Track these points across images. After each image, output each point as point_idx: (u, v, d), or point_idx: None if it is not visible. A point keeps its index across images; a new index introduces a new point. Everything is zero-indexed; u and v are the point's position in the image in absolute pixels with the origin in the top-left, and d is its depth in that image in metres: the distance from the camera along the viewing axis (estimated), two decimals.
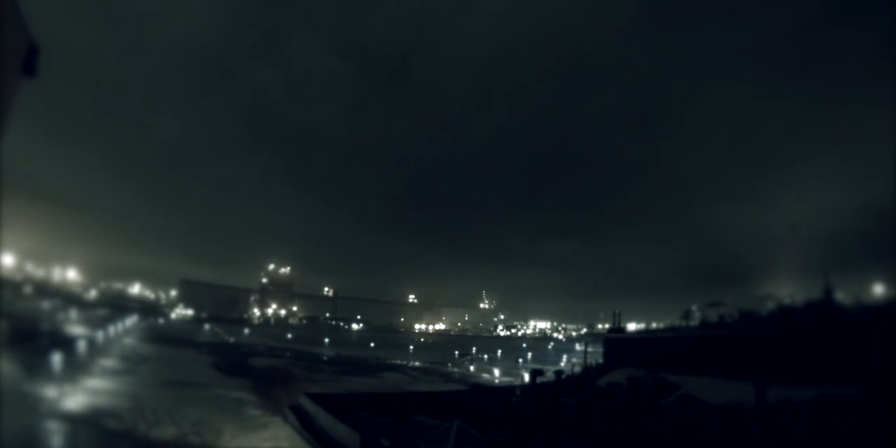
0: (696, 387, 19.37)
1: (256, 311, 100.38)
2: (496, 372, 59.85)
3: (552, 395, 22.43)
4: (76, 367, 31.31)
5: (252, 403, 31.66)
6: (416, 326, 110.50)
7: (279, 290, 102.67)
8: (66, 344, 35.27)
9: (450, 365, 65.43)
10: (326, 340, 73.75)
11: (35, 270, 56.97)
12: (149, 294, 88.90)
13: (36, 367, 26.59)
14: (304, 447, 18.37)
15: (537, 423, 19.15)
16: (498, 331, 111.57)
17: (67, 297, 56.53)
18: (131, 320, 61.93)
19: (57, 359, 30.24)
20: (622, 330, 33.58)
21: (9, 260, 44.55)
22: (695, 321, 25.95)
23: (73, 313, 50.07)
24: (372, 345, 76.46)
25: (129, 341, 49.68)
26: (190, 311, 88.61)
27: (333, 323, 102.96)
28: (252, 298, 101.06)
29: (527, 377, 29.31)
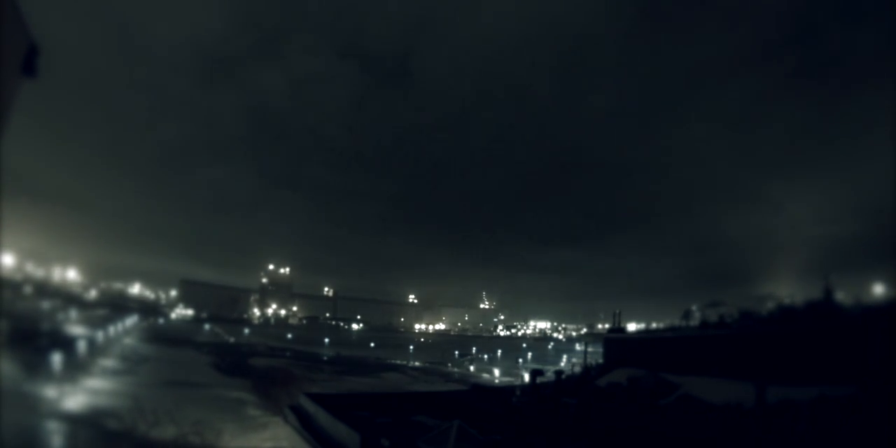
0: (696, 387, 19.37)
1: (256, 311, 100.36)
2: (496, 372, 59.85)
3: (552, 395, 22.44)
4: (76, 367, 31.31)
5: (252, 403, 31.66)
6: (416, 326, 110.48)
7: (279, 290, 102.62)
8: (66, 344, 35.27)
9: (450, 365, 65.42)
10: (326, 340, 73.74)
11: (35, 270, 56.95)
12: (149, 294, 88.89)
13: (36, 367, 26.59)
14: (304, 447, 18.38)
15: (537, 423, 19.15)
16: (498, 331, 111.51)
17: (67, 297, 56.52)
18: (131, 320, 61.92)
19: (57, 359, 30.25)
20: (622, 330, 33.59)
21: (9, 260, 44.51)
22: (695, 321, 25.96)
23: (73, 313, 50.07)
24: (372, 345, 76.46)
25: (129, 341, 49.66)
26: (190, 311, 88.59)
27: (333, 323, 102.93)
28: (252, 298, 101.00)
29: (527, 377, 29.33)
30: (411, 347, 73.03)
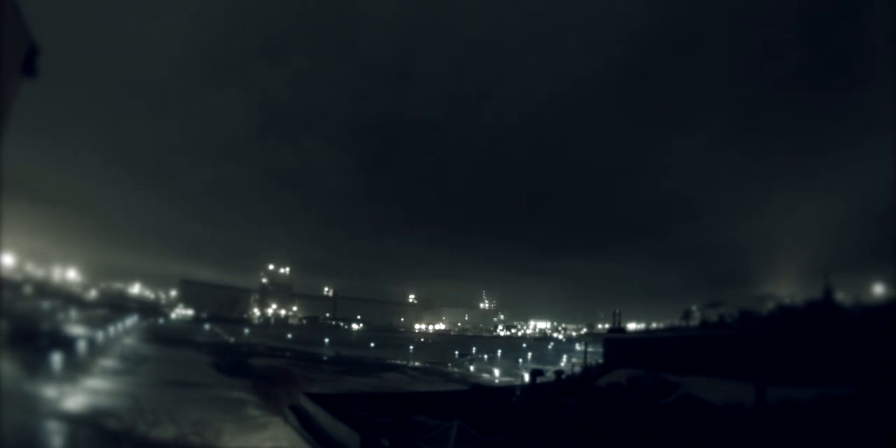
0: (696, 387, 19.37)
1: (256, 311, 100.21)
2: (496, 372, 59.82)
3: (552, 395, 22.43)
4: (76, 367, 31.30)
5: (252, 403, 31.65)
6: (416, 326, 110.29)
7: (279, 290, 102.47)
8: (66, 344, 35.26)
9: (450, 365, 65.39)
10: (326, 340, 73.71)
11: (35, 270, 56.89)
12: (149, 294, 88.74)
13: (36, 367, 26.58)
14: (304, 447, 18.38)
15: (537, 423, 19.14)
16: (498, 331, 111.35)
17: (67, 297, 56.47)
18: (131, 320, 61.90)
19: (57, 359, 30.24)
20: (622, 330, 33.61)
21: (9, 260, 44.47)
22: (695, 321, 25.97)
23: (73, 313, 50.06)
24: (372, 345, 76.42)
25: (129, 341, 49.64)
26: (190, 311, 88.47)
27: (333, 323, 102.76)
28: (252, 298, 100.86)
29: (527, 377, 29.33)
30: (411, 347, 73.00)
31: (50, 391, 24.62)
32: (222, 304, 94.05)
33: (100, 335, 43.22)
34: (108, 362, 37.09)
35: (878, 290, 20.91)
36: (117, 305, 66.43)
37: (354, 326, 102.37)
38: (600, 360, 30.35)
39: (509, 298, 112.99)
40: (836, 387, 14.37)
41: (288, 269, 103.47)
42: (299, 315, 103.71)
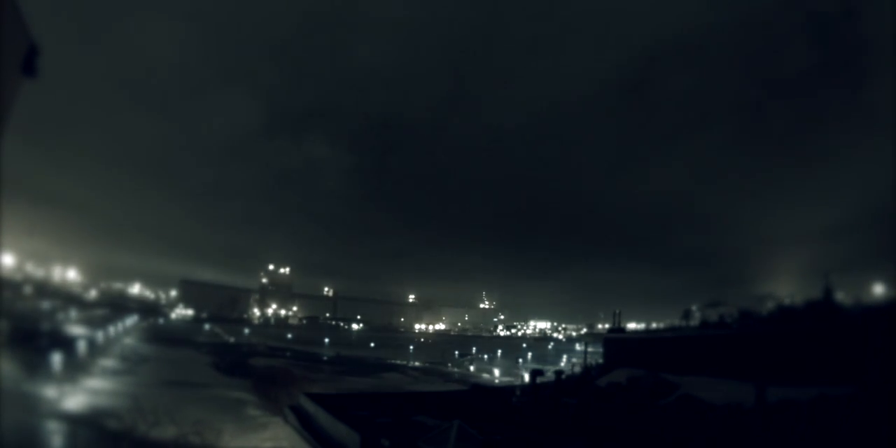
0: (696, 387, 19.37)
1: (256, 311, 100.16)
2: (496, 372, 59.81)
3: (552, 395, 22.44)
4: (76, 367, 31.28)
5: (252, 403, 31.64)
6: (416, 326, 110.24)
7: (279, 290, 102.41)
8: (66, 344, 35.21)
9: (450, 365, 65.37)
10: (326, 340, 73.66)
11: (35, 270, 56.85)
12: (149, 294, 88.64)
13: (36, 367, 26.56)
14: (304, 447, 18.38)
15: (537, 423, 19.14)
16: (498, 331, 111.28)
17: (67, 297, 56.43)
18: (131, 320, 61.87)
19: (57, 359, 30.21)
20: (622, 330, 33.64)
21: (9, 260, 44.46)
22: (695, 321, 26.00)
23: (73, 313, 50.04)
24: (372, 345, 76.38)
25: (129, 341, 49.61)
26: (190, 311, 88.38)
27: (333, 323, 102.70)
28: (252, 298, 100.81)
29: (527, 377, 29.34)
30: (411, 347, 72.95)
31: (50, 391, 24.61)
32: (222, 304, 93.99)
33: (100, 335, 43.19)
34: (107, 362, 37.07)
35: (878, 290, 20.93)
36: (117, 305, 66.39)
37: (354, 326, 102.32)
38: (600, 360, 30.36)
39: (509, 298, 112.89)
40: (836, 387, 14.38)
41: (288, 269, 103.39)
42: (299, 315, 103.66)
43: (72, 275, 63.73)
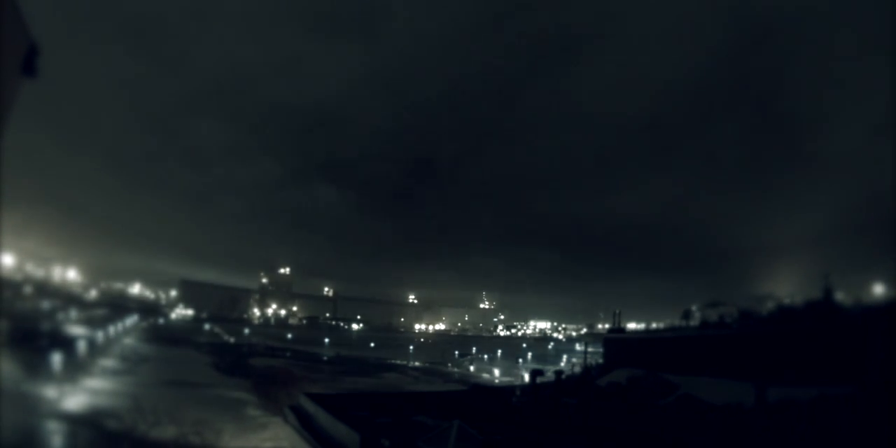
0: (696, 387, 19.38)
1: (256, 311, 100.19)
2: (496, 372, 59.83)
3: (552, 395, 22.45)
4: (76, 367, 31.27)
5: (252, 403, 31.66)
6: (416, 326, 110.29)
7: (279, 290, 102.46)
8: (66, 344, 35.19)
9: (450, 365, 65.40)
10: (326, 340, 73.65)
11: (35, 270, 56.84)
12: (149, 294, 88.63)
13: (36, 367, 26.55)
14: (304, 447, 18.38)
15: (537, 423, 19.15)
16: (498, 331, 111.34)
17: (67, 297, 56.42)
18: (131, 320, 61.85)
19: (57, 359, 30.19)
20: (622, 330, 33.64)
21: (9, 260, 44.45)
22: (695, 321, 25.99)
23: (73, 313, 50.01)
24: (372, 345, 76.38)
25: (129, 341, 49.62)
26: (190, 311, 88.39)
27: (333, 323, 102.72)
28: (252, 298, 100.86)
29: (527, 377, 29.36)
30: (411, 347, 72.95)
31: (50, 391, 24.59)
32: (222, 304, 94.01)
33: (100, 335, 43.17)
34: (108, 362, 37.09)
35: (878, 290, 20.91)
36: (117, 305, 66.37)
37: (354, 326, 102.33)
38: (600, 360, 30.37)
39: (508, 297, 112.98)
40: (836, 387, 14.38)
41: (288, 269, 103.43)
42: (299, 315, 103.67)
43: (72, 275, 63.73)
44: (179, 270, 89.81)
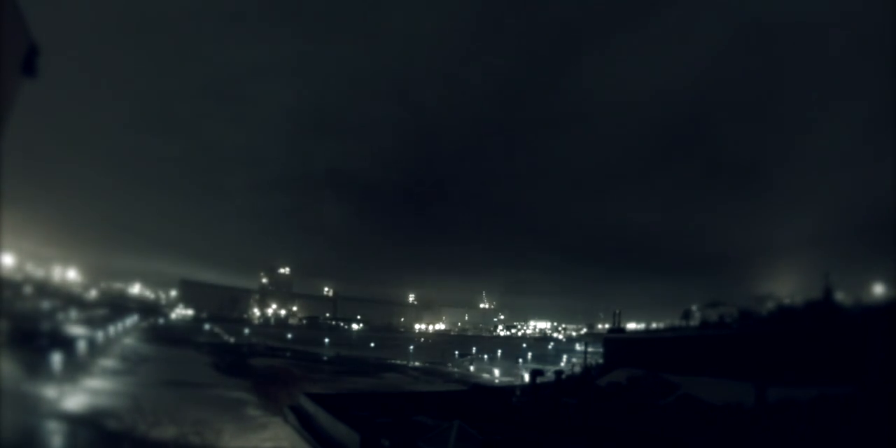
0: (696, 387, 19.38)
1: (256, 311, 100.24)
2: (496, 372, 59.85)
3: (552, 395, 22.44)
4: (76, 367, 31.27)
5: (252, 403, 31.67)
6: (416, 326, 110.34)
7: (279, 290, 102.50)
8: (66, 344, 35.21)
9: (450, 365, 65.42)
10: (326, 340, 73.68)
11: (35, 270, 56.85)
12: (149, 294, 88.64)
13: (36, 367, 26.55)
14: (304, 447, 18.38)
15: (537, 423, 19.14)
16: (498, 331, 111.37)
17: (67, 297, 56.42)
18: (131, 320, 61.87)
19: (57, 359, 30.20)
20: (622, 330, 33.66)
21: (9, 260, 44.45)
22: (695, 321, 26.00)
23: (73, 313, 50.02)
24: (372, 345, 76.41)
25: (129, 341, 49.65)
26: (190, 311, 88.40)
27: (333, 323, 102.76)
28: (252, 298, 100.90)
29: (527, 377, 29.35)
30: (411, 347, 72.98)
31: (50, 391, 24.60)
32: (222, 304, 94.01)
33: (100, 335, 43.18)
34: (108, 362, 37.09)
35: (878, 290, 20.91)
36: (117, 305, 66.36)
37: (354, 326, 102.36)
38: (600, 360, 30.37)
39: (508, 297, 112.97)
40: (836, 387, 14.39)
41: (288, 269, 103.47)
42: (299, 315, 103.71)
43: (72, 275, 63.74)
44: (179, 270, 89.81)
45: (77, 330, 42.22)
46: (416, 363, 64.73)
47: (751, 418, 15.19)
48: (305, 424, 19.37)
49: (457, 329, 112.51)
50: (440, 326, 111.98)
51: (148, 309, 79.04)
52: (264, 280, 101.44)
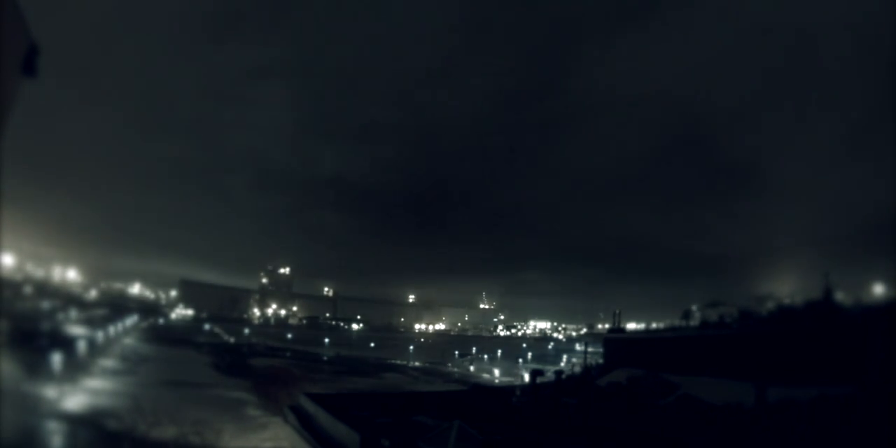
0: (696, 387, 19.39)
1: (256, 311, 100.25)
2: (496, 372, 59.86)
3: (552, 395, 22.45)
4: (76, 367, 31.27)
5: (252, 403, 31.67)
6: (416, 326, 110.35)
7: (279, 290, 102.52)
8: (66, 344, 35.19)
9: (450, 365, 65.44)
10: (326, 340, 73.68)
11: (35, 270, 56.85)
12: (149, 294, 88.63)
13: (36, 367, 26.55)
14: (304, 447, 18.39)
15: (537, 423, 19.14)
16: (498, 331, 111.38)
17: (67, 297, 56.42)
18: (131, 320, 61.86)
19: (57, 359, 30.19)
20: (622, 330, 33.68)
21: (9, 260, 44.45)
22: (695, 321, 26.01)
23: (73, 313, 50.03)
24: (372, 345, 76.43)
25: (129, 341, 49.66)
26: (190, 311, 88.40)
27: (333, 323, 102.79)
28: (252, 298, 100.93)
29: (527, 377, 29.36)
30: (411, 347, 72.99)
31: (50, 391, 24.59)
32: (222, 304, 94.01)
33: (100, 335, 43.17)
34: (108, 362, 37.09)
35: (878, 290, 20.91)
36: (117, 305, 66.35)
37: (354, 326, 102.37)
38: (600, 360, 30.38)
39: (508, 297, 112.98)
40: (836, 387, 14.39)
41: (288, 269, 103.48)
42: (299, 315, 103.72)
43: (72, 275, 63.71)
44: (179, 270, 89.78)
45: (77, 330, 42.21)
46: (416, 363, 64.74)
47: (751, 418, 15.20)
48: (305, 424, 19.38)
49: (457, 329, 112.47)
50: (440, 326, 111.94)
51: (148, 309, 79.00)
52: (264, 280, 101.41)
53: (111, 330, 48.23)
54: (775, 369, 17.09)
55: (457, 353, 72.36)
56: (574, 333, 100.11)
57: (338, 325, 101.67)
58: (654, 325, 36.90)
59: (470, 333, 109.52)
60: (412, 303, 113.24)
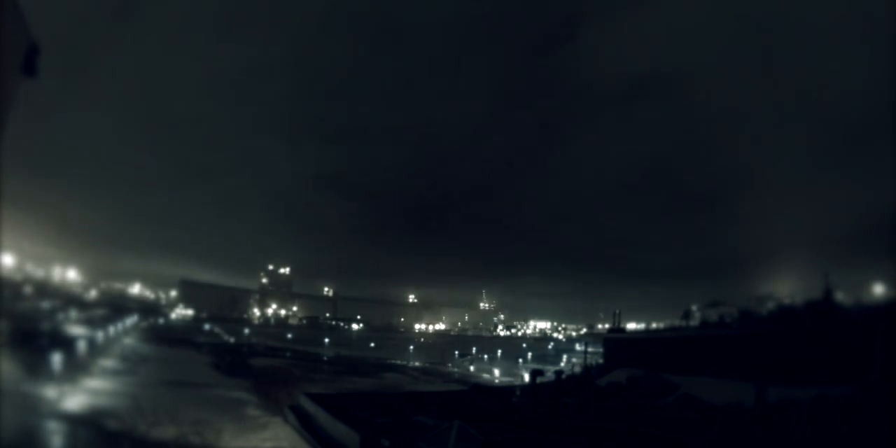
0: (696, 387, 19.39)
1: (256, 311, 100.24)
2: (496, 372, 59.84)
3: (552, 395, 22.45)
4: (76, 367, 31.27)
5: (252, 403, 31.64)
6: (416, 326, 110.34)
7: (279, 290, 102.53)
8: (66, 344, 35.19)
9: (450, 365, 65.43)
10: (326, 340, 73.66)
11: (35, 270, 56.84)
12: (149, 294, 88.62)
13: (36, 367, 26.55)
14: (304, 447, 18.39)
15: (537, 423, 19.14)
16: (498, 331, 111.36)
17: (67, 297, 56.41)
18: (131, 320, 61.85)
19: (57, 359, 30.19)
20: (622, 330, 33.68)
21: (9, 260, 44.44)
22: (695, 321, 26.01)
23: (73, 313, 50.02)
24: (372, 345, 76.41)
25: (129, 341, 49.65)
26: (190, 311, 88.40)
27: (333, 323, 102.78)
28: (252, 298, 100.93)
29: (527, 377, 29.37)
30: (411, 347, 72.97)
31: (50, 391, 24.59)
32: (222, 304, 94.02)
33: (100, 335, 43.16)
34: (108, 362, 37.09)
35: (878, 290, 20.90)
36: (117, 305, 66.33)
37: (354, 326, 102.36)
38: (600, 360, 30.38)
39: (508, 297, 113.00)
40: (836, 387, 14.39)
41: (288, 269, 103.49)
42: (299, 315, 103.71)
43: (72, 275, 63.68)
44: (179, 270, 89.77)
45: (77, 330, 42.20)
46: (416, 363, 64.72)
47: (751, 418, 15.20)
48: (305, 424, 19.39)
49: (457, 329, 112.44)
50: (440, 326, 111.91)
51: (148, 309, 78.99)
52: (264, 280, 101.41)
53: (111, 330, 48.21)
54: (775, 369, 17.09)
55: (457, 353, 72.35)
56: (574, 333, 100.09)
57: (338, 325, 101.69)
58: (654, 326, 36.91)
59: (470, 333, 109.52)
60: (412, 303, 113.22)
